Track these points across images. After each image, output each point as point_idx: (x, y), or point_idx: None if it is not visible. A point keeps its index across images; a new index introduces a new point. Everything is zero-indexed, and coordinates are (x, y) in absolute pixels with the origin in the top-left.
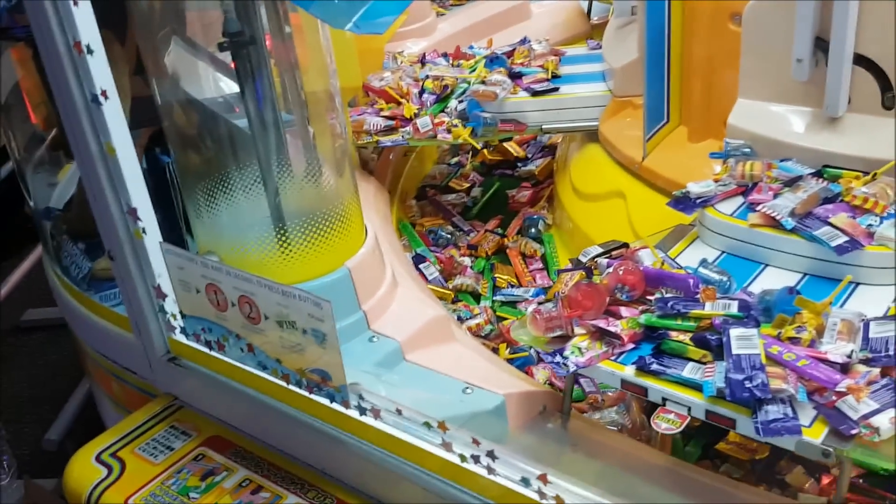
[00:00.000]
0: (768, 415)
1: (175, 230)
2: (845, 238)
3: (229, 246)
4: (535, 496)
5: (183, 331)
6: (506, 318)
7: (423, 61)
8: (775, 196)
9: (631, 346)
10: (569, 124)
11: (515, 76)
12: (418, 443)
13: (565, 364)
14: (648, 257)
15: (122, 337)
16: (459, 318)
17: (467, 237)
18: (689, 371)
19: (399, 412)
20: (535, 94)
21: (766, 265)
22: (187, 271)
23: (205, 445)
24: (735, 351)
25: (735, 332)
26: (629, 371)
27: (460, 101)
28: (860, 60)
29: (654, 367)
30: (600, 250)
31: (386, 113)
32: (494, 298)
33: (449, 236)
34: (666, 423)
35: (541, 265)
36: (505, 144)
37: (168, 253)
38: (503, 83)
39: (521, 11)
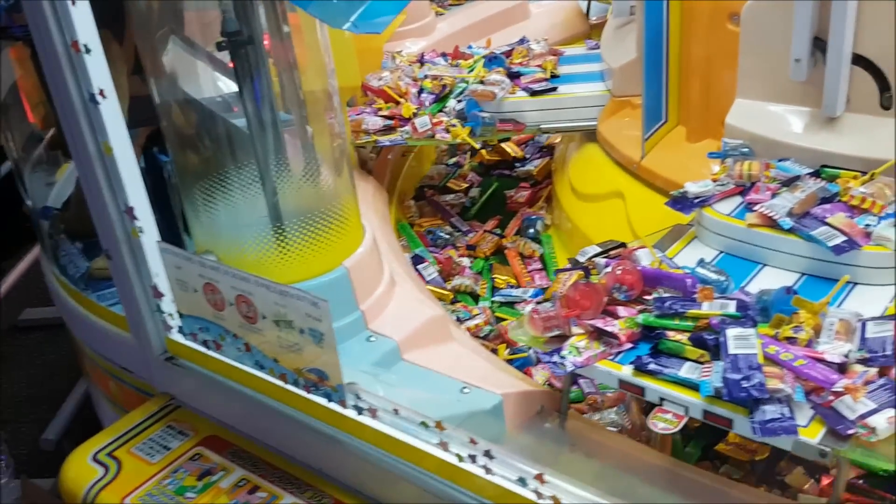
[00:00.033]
0: (765, 415)
1: (173, 229)
2: (843, 238)
3: (227, 245)
4: (532, 496)
5: (180, 330)
6: (505, 319)
7: (421, 61)
8: (773, 196)
9: (628, 345)
10: (567, 124)
11: (514, 76)
12: (415, 442)
13: (563, 363)
14: (646, 257)
15: (119, 336)
16: (458, 319)
17: (466, 238)
18: (686, 371)
19: (396, 412)
20: (533, 93)
21: (764, 265)
22: (184, 270)
23: (201, 445)
24: (732, 351)
25: (732, 331)
26: (626, 371)
27: (459, 101)
28: (858, 60)
29: (652, 366)
30: (598, 250)
31: (384, 112)
32: (493, 299)
33: (447, 237)
34: (663, 423)
35: (539, 266)
36: (503, 145)
37: (165, 252)
38: (502, 83)
39: (519, 11)
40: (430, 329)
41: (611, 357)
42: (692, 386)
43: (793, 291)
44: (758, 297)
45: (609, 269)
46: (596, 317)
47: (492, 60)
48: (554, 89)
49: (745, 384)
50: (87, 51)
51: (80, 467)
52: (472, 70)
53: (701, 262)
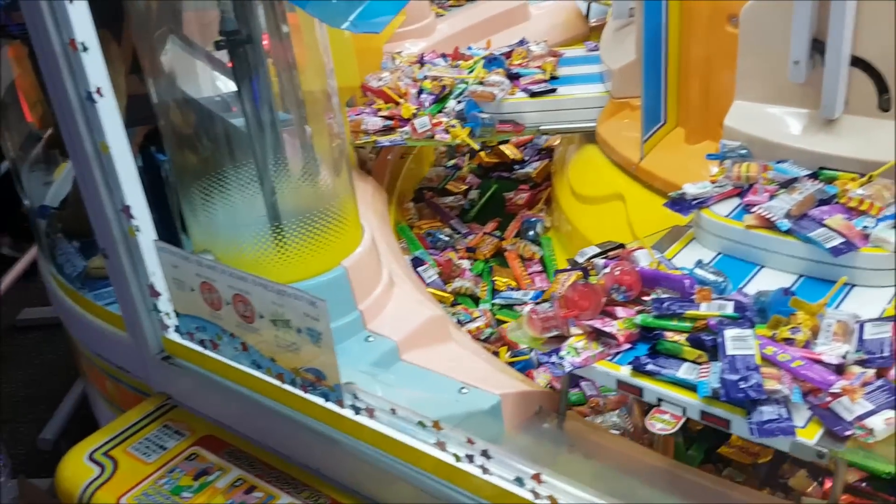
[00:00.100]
0: (762, 415)
1: (170, 229)
2: (841, 240)
3: (225, 245)
4: (530, 496)
5: (177, 329)
6: (505, 322)
7: (421, 62)
8: (771, 197)
9: (627, 346)
10: (567, 125)
11: (513, 77)
12: (413, 442)
13: (561, 364)
14: (645, 258)
15: (115, 335)
16: (459, 322)
17: (465, 240)
18: (684, 371)
19: (393, 411)
20: (533, 95)
21: (762, 266)
22: (181, 270)
23: (198, 445)
24: (730, 352)
25: (730, 332)
26: (625, 371)
27: (458, 102)
28: (857, 62)
29: (650, 367)
30: (597, 251)
31: (384, 113)
32: (493, 301)
33: (447, 239)
34: (661, 424)
35: (539, 268)
36: (502, 147)
37: (162, 251)
38: (501, 84)
39: (519, 13)
40: (429, 329)
41: (609, 357)
42: (690, 386)
43: (791, 293)
44: (756, 299)
45: (607, 270)
46: (594, 317)
47: (491, 61)
48: (553, 91)
49: (742, 385)
50: (85, 49)
51: (76, 467)
52: (471, 71)
53: (699, 263)
